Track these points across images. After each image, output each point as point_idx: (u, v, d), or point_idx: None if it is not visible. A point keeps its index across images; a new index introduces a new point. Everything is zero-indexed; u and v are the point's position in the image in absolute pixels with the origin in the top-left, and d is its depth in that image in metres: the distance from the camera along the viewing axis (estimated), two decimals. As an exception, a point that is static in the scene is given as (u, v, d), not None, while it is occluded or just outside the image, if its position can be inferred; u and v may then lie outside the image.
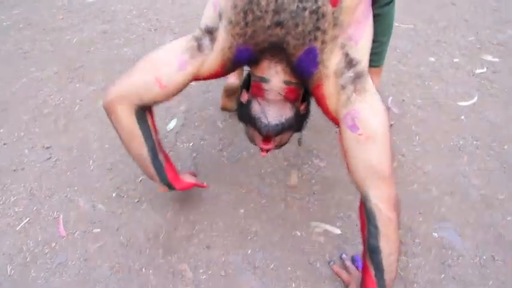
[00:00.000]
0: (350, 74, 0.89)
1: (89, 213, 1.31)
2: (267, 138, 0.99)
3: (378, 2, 1.28)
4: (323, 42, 0.86)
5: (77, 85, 1.79)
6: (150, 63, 0.95)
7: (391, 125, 1.61)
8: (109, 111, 0.97)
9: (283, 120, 0.96)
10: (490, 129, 1.61)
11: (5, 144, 1.54)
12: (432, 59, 1.98)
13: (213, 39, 0.94)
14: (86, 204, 1.34)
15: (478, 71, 1.91)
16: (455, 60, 1.97)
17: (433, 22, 2.26)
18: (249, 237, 1.25)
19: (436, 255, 1.21)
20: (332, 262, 1.18)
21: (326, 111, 0.96)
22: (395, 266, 0.91)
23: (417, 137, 1.58)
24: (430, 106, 1.71)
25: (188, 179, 1.20)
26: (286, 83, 0.95)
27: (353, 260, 1.18)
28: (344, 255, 1.19)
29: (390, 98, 1.74)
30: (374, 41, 1.36)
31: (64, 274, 1.16)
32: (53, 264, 1.18)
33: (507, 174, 1.44)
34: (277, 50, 0.89)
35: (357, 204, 1.00)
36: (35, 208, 1.33)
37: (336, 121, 0.94)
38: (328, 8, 0.83)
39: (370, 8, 0.94)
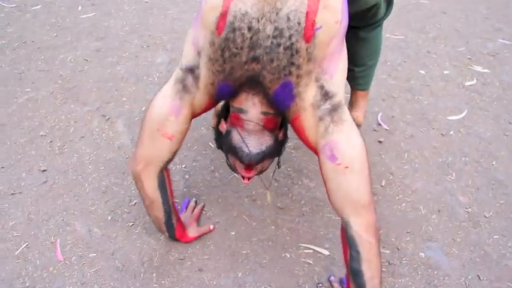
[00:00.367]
0: (327, 106, 0.91)
1: (85, 237, 1.34)
2: (248, 167, 1.02)
3: (364, 27, 1.30)
4: (298, 76, 0.89)
5: (72, 106, 1.82)
6: (151, 122, 1.03)
7: (380, 142, 1.64)
8: (137, 179, 1.12)
9: (263, 148, 0.99)
10: (478, 145, 1.64)
11: (2, 167, 1.57)
12: (422, 72, 2.00)
13: (195, 78, 0.97)
14: (83, 229, 1.37)
15: (467, 83, 1.93)
16: (446, 72, 1.99)
17: (423, 32, 2.27)
18: (240, 260, 1.28)
19: (423, 275, 1.24)
20: (320, 284, 1.21)
21: (306, 142, 0.98)
22: None
23: (406, 154, 1.60)
24: (419, 121, 1.73)
25: (193, 232, 1.32)
26: (264, 113, 0.97)
27: (341, 282, 1.21)
28: (332, 277, 1.22)
29: (380, 114, 1.76)
30: (361, 65, 1.40)
31: (62, 299, 1.20)
32: (51, 290, 1.22)
33: (494, 191, 1.47)
34: (254, 84, 0.92)
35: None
36: (32, 233, 1.36)
37: (315, 151, 0.97)
38: (302, 44, 0.86)
39: (344, 41, 0.96)
